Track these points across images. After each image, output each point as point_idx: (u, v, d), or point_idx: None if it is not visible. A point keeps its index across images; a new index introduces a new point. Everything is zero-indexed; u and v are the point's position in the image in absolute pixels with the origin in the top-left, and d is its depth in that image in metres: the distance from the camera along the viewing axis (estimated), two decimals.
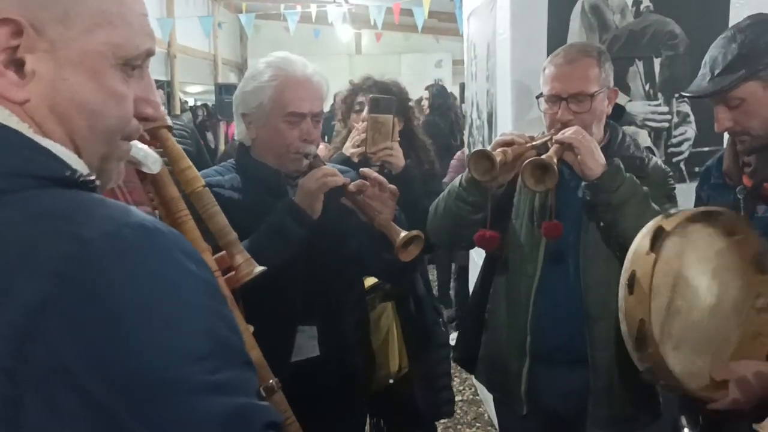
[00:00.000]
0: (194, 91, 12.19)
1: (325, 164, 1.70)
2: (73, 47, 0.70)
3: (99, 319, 0.61)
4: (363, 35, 13.49)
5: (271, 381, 1.07)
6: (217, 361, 0.65)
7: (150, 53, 0.77)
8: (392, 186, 1.68)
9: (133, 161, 1.00)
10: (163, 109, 1.15)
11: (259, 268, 1.18)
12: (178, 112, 8.99)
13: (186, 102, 10.81)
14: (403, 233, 1.57)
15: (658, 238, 1.32)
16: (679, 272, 1.38)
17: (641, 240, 1.33)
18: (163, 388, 0.62)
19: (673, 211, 1.41)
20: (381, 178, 1.69)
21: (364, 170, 1.72)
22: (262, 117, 1.69)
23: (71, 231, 0.63)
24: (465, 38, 4.08)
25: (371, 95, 2.13)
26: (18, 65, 0.68)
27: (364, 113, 2.22)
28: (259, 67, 1.72)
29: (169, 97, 9.32)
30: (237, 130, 1.78)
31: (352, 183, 1.66)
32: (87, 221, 0.65)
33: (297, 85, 1.67)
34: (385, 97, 2.09)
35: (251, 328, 1.10)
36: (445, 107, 5.89)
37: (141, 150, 1.01)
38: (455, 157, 4.64)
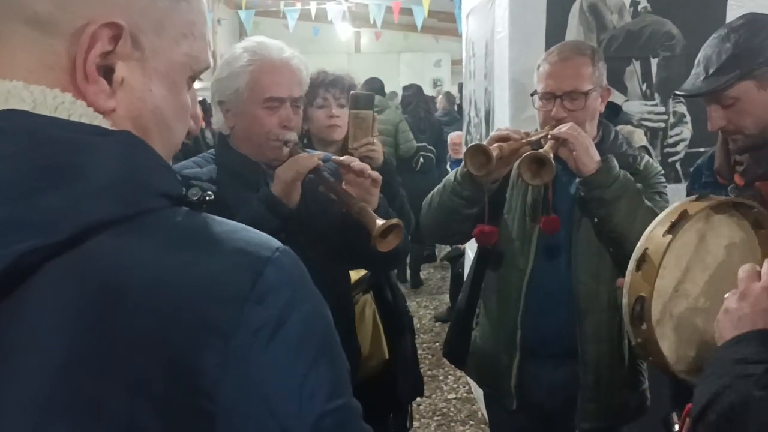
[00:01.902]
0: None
1: (305, 151, 1.65)
2: (161, 57, 0.67)
3: (287, 347, 0.61)
4: (362, 34, 13.50)
5: None
6: (347, 387, 0.68)
7: (209, 66, 0.75)
8: (374, 172, 1.62)
9: None
10: None
11: None
12: None
13: None
14: (381, 222, 1.50)
15: (680, 220, 1.32)
16: (696, 257, 1.37)
17: (661, 220, 1.34)
18: (333, 416, 0.64)
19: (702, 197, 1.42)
20: (362, 165, 1.62)
21: (341, 159, 1.65)
22: (239, 104, 1.62)
23: (239, 258, 0.62)
24: (463, 37, 4.09)
25: (352, 92, 2.12)
26: (108, 72, 0.64)
27: (334, 110, 2.22)
28: (234, 52, 1.64)
29: None
30: (215, 118, 1.72)
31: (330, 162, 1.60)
32: (244, 246, 0.63)
33: (274, 69, 1.61)
34: (365, 93, 2.09)
35: None
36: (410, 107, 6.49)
37: None
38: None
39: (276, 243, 0.66)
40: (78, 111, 0.62)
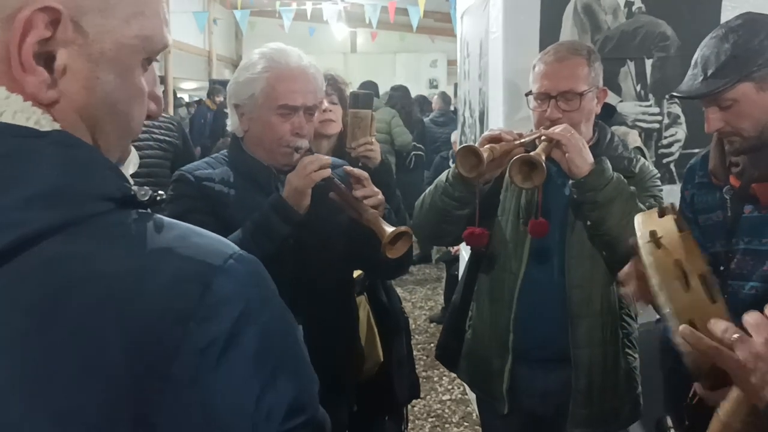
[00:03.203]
0: (189, 87, 12.17)
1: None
2: (108, 41, 0.61)
3: (241, 363, 0.57)
4: (358, 34, 13.49)
5: None
6: (311, 401, 0.65)
7: (167, 45, 0.69)
8: (376, 199, 1.65)
9: None
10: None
11: None
12: (171, 108, 8.98)
13: (182, 98, 10.81)
14: (391, 229, 1.53)
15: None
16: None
17: (649, 213, 1.30)
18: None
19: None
20: (366, 191, 1.65)
21: (354, 171, 1.68)
22: (254, 109, 1.65)
23: (185, 268, 0.58)
24: (458, 37, 4.08)
25: (352, 91, 2.12)
26: (48, 60, 0.59)
27: (326, 104, 2.21)
28: (252, 57, 1.67)
29: (163, 93, 9.29)
30: (230, 121, 1.75)
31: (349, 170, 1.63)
32: (193, 255, 0.59)
33: (290, 77, 1.63)
34: (365, 92, 2.08)
35: None
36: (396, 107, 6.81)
37: None
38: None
39: (231, 249, 0.62)
40: (12, 107, 0.57)
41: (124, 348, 0.53)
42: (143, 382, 0.53)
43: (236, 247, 0.62)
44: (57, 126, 0.59)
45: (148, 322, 0.55)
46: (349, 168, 1.69)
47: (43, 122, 0.59)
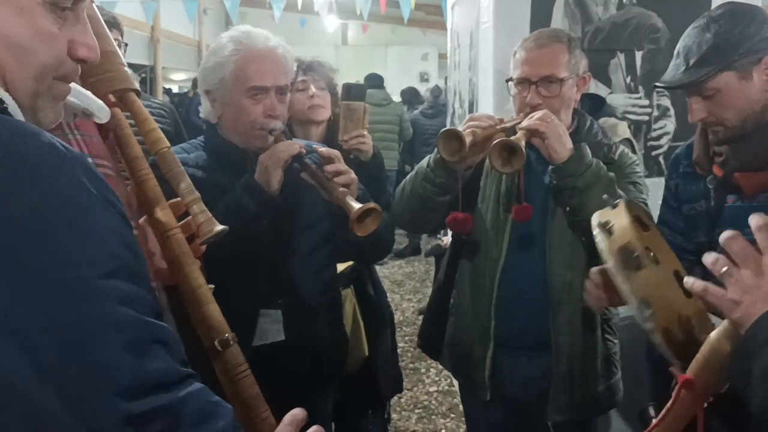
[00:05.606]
0: (178, 78, 12.07)
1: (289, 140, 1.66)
2: None
3: None
4: (349, 26, 13.45)
5: (227, 335, 1.07)
6: (110, 265, 0.68)
7: None
8: (345, 177, 1.62)
9: (78, 110, 1.00)
10: (128, 71, 1.15)
11: (219, 227, 1.17)
12: (160, 97, 8.92)
13: (170, 89, 10.75)
14: (358, 206, 1.51)
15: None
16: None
17: (603, 210, 1.30)
18: (58, 289, 0.64)
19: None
20: (336, 167, 1.63)
21: (324, 151, 1.67)
22: (225, 93, 1.64)
23: None
24: (449, 28, 4.08)
25: (344, 83, 2.10)
26: None
27: (314, 90, 2.20)
28: (220, 41, 1.66)
29: (152, 83, 9.24)
30: (202, 108, 1.73)
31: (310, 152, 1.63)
32: None
33: (259, 58, 1.62)
34: (357, 84, 2.06)
35: (211, 287, 1.12)
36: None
37: (89, 99, 1.01)
38: None
39: (27, 131, 0.68)
40: None
41: None
42: None
43: (41, 132, 0.69)
44: None
45: None
46: (318, 146, 1.68)
47: None
